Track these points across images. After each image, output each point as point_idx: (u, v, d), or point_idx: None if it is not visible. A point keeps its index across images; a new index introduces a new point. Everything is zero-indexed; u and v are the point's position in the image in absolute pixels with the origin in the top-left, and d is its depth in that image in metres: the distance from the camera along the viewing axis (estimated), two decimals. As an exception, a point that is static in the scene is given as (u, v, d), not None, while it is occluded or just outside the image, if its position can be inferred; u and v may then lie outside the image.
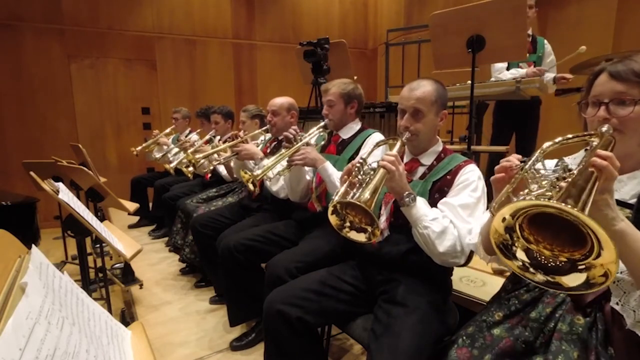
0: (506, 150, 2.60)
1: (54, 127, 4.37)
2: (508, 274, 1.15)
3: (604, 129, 0.85)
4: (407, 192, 1.18)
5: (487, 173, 2.62)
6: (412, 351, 1.06)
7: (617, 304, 0.84)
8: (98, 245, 2.33)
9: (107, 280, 2.06)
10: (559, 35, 3.42)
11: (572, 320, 0.88)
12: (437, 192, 1.30)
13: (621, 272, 0.83)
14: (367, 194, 1.06)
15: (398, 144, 1.32)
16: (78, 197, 1.65)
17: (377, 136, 1.83)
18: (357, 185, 1.16)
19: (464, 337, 0.99)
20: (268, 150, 2.42)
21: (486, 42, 2.11)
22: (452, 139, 3.52)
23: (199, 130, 3.83)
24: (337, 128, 1.93)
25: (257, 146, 2.44)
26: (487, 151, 2.88)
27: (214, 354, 1.92)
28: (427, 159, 1.39)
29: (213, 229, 2.30)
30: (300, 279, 1.45)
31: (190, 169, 2.73)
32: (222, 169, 2.96)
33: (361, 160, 1.22)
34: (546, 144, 0.84)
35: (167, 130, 4.01)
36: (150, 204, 4.03)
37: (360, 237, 1.13)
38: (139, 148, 3.89)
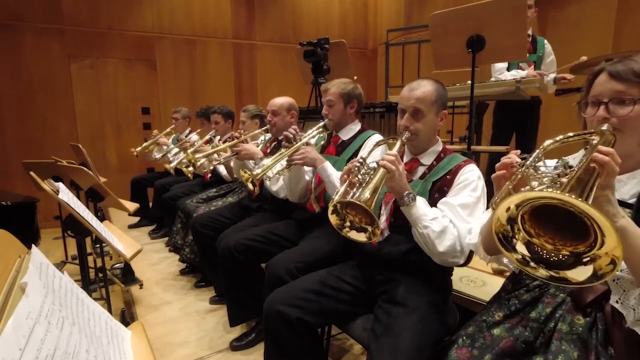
0: (506, 150, 2.59)
1: (54, 127, 4.37)
2: (508, 274, 1.15)
3: (604, 127, 0.85)
4: (407, 192, 1.18)
5: (487, 173, 2.62)
6: (412, 351, 1.06)
7: (617, 302, 0.84)
8: (98, 245, 2.33)
9: (107, 280, 2.06)
10: (559, 35, 3.42)
11: (572, 320, 0.88)
12: (437, 191, 1.30)
13: (621, 270, 0.83)
14: (367, 194, 1.06)
15: (398, 143, 1.32)
16: (78, 197, 1.65)
17: (377, 137, 1.83)
18: (357, 184, 1.16)
19: (464, 337, 0.99)
20: (268, 150, 2.42)
21: (486, 42, 2.11)
22: (452, 139, 3.52)
23: (199, 130, 3.83)
24: (336, 128, 1.93)
25: (257, 146, 2.44)
26: (487, 151, 2.88)
27: (214, 354, 1.92)
28: (427, 159, 1.39)
29: (213, 229, 2.30)
30: (300, 280, 1.45)
31: (190, 169, 2.73)
32: (222, 169, 2.96)
33: (361, 160, 1.22)
34: (547, 142, 0.85)
35: (167, 130, 4.01)
36: (150, 204, 4.02)
37: (361, 237, 1.13)
38: (139, 149, 3.89)
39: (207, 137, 3.35)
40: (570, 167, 0.75)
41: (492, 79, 2.94)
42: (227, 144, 2.46)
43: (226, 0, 5.08)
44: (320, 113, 1.99)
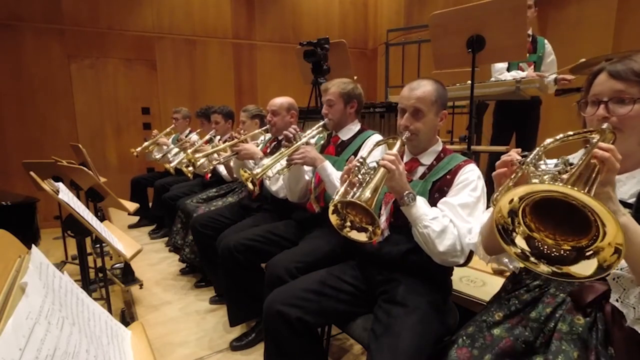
0: (506, 150, 2.58)
1: (54, 127, 4.37)
2: (508, 274, 1.15)
3: (604, 126, 0.85)
4: (407, 192, 1.18)
5: (487, 173, 2.62)
6: (412, 351, 1.06)
7: (617, 300, 0.84)
8: (98, 245, 2.33)
9: (107, 280, 2.06)
10: (559, 35, 3.42)
11: (572, 320, 0.88)
12: (437, 191, 1.30)
13: (621, 269, 0.83)
14: (367, 193, 1.06)
15: (398, 143, 1.32)
16: (78, 197, 1.65)
17: (377, 137, 1.83)
18: (357, 184, 1.16)
19: (464, 337, 0.99)
20: (268, 150, 2.42)
21: (486, 42, 2.11)
22: (452, 139, 3.52)
23: (199, 130, 3.83)
24: (336, 128, 1.93)
25: (257, 146, 2.44)
26: (487, 151, 2.88)
27: (214, 354, 1.92)
28: (426, 159, 1.39)
29: (213, 229, 2.30)
30: (300, 279, 1.45)
31: (190, 168, 2.73)
32: (222, 169, 2.96)
33: (361, 160, 1.22)
34: (547, 141, 0.85)
35: (167, 130, 4.01)
36: (150, 204, 4.02)
37: (361, 237, 1.13)
38: (139, 149, 3.89)
39: (207, 137, 3.35)
40: (571, 164, 0.76)
41: (492, 79, 2.94)
42: (227, 143, 2.46)
43: (226, 0, 5.08)
44: (320, 113, 1.99)
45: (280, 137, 2.04)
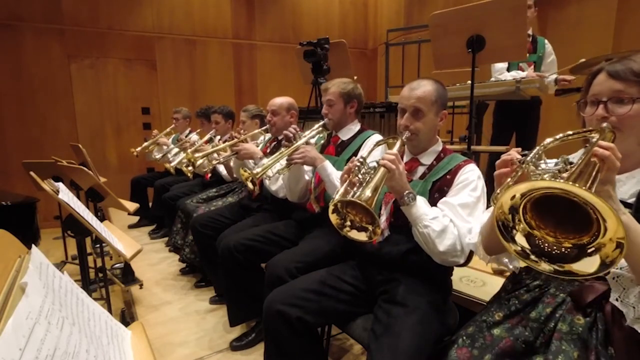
0: (506, 151, 2.59)
1: (54, 127, 4.37)
2: (508, 274, 1.15)
3: (604, 125, 0.85)
4: (407, 191, 1.18)
5: (487, 173, 2.63)
6: (412, 351, 1.06)
7: (617, 300, 0.84)
8: (98, 245, 2.33)
9: (107, 280, 2.06)
10: (559, 35, 3.42)
11: (572, 320, 0.88)
12: (437, 191, 1.30)
13: (621, 268, 0.83)
14: (367, 192, 1.06)
15: (398, 143, 1.32)
16: (78, 197, 1.65)
17: (377, 137, 1.83)
18: (357, 184, 1.16)
19: (464, 337, 0.99)
20: (268, 150, 2.42)
21: (486, 42, 2.11)
22: (452, 139, 3.52)
23: (199, 130, 3.83)
24: (336, 128, 1.93)
25: (257, 146, 2.44)
26: (487, 151, 2.88)
27: (214, 354, 1.92)
28: (426, 159, 1.39)
29: (213, 229, 2.30)
30: (300, 279, 1.45)
31: (190, 168, 2.73)
32: (222, 169, 2.96)
33: (361, 160, 1.22)
34: (547, 140, 0.85)
35: (167, 130, 4.01)
36: (150, 204, 4.02)
37: (361, 236, 1.13)
38: (139, 149, 3.89)
39: (207, 136, 3.35)
40: (571, 163, 0.76)
41: (492, 79, 2.94)
42: (227, 143, 2.46)
43: (226, 0, 5.08)
44: (320, 113, 1.99)
45: (280, 137, 2.03)
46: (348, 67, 3.05)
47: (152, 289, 2.66)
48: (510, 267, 1.09)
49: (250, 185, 1.80)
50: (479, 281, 1.81)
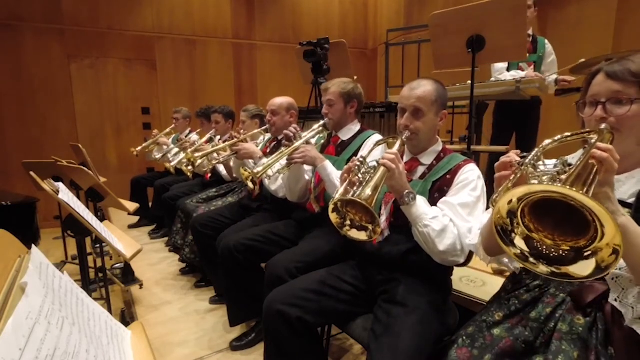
0: (506, 151, 2.59)
1: (54, 127, 4.37)
2: (508, 274, 1.15)
3: (602, 126, 0.85)
4: (407, 191, 1.18)
5: (487, 173, 2.63)
6: (412, 351, 1.06)
7: (616, 300, 0.84)
8: (98, 245, 2.33)
9: (107, 280, 2.06)
10: (559, 35, 3.42)
11: (572, 320, 0.88)
12: (437, 191, 1.30)
13: (620, 269, 0.83)
14: (368, 191, 1.06)
15: (398, 142, 1.33)
16: (78, 197, 1.65)
17: (377, 137, 1.83)
18: (357, 183, 1.16)
19: (464, 337, 0.99)
20: (268, 150, 2.42)
21: (486, 42, 2.11)
22: (452, 139, 3.52)
23: (199, 130, 3.83)
24: (336, 128, 1.93)
25: (257, 146, 2.44)
26: (487, 151, 2.88)
27: (214, 354, 1.92)
28: (426, 159, 1.39)
29: (213, 229, 2.30)
30: (300, 279, 1.45)
31: (190, 168, 2.73)
32: (222, 169, 2.96)
33: (361, 159, 1.22)
34: (546, 142, 0.85)
35: (167, 131, 4.01)
36: (150, 204, 4.02)
37: (361, 236, 1.13)
38: (139, 148, 3.89)
39: (207, 136, 3.35)
40: (570, 165, 0.76)
41: (492, 79, 2.94)
42: (227, 143, 2.46)
43: (226, 0, 5.08)
44: (320, 113, 2.00)
45: (280, 137, 2.04)
46: (348, 67, 3.04)
47: (152, 289, 2.66)
48: (511, 267, 1.09)
49: (250, 184, 1.80)
50: (479, 281, 1.81)
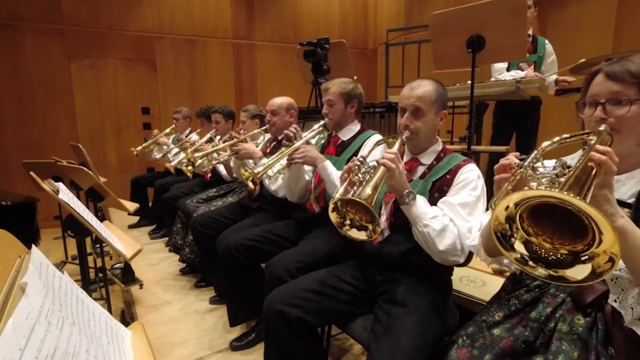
0: (506, 150, 2.60)
1: (54, 127, 4.37)
2: (508, 274, 1.15)
3: (602, 128, 0.85)
4: (407, 191, 1.18)
5: (487, 173, 2.63)
6: (412, 351, 1.06)
7: (616, 301, 0.84)
8: (98, 245, 2.33)
9: (107, 280, 2.06)
10: (559, 35, 3.42)
11: (572, 320, 0.88)
12: (437, 191, 1.30)
13: (619, 270, 0.83)
14: (367, 191, 1.06)
15: (398, 142, 1.33)
16: (78, 197, 1.65)
17: (377, 137, 1.83)
18: (357, 183, 1.16)
19: (464, 337, 0.99)
20: (268, 150, 2.42)
21: (486, 42, 2.11)
22: (452, 139, 3.52)
23: (199, 130, 3.83)
24: (336, 128, 1.93)
25: (257, 146, 2.44)
26: (487, 151, 2.88)
27: (214, 354, 1.92)
28: (426, 159, 1.39)
29: (213, 229, 2.30)
30: (300, 279, 1.45)
31: (190, 168, 2.73)
32: (222, 169, 2.96)
33: (361, 159, 1.22)
34: (545, 144, 0.85)
35: (167, 130, 4.01)
36: (150, 204, 4.02)
37: (361, 235, 1.13)
38: (139, 148, 3.89)
39: (207, 136, 3.35)
40: (569, 167, 0.76)
41: (492, 79, 2.94)
42: (227, 143, 2.46)
43: (226, 0, 5.08)
44: (320, 113, 2.00)
45: (280, 137, 2.04)
46: (348, 67, 3.05)
47: (152, 289, 2.66)
48: (511, 267, 1.09)
49: (250, 184, 1.80)
50: (479, 281, 1.81)
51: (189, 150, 2.95)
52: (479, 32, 2.10)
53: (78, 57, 4.44)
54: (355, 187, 1.14)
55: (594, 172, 0.70)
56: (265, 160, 1.87)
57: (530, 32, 2.80)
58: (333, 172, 1.70)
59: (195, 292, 2.60)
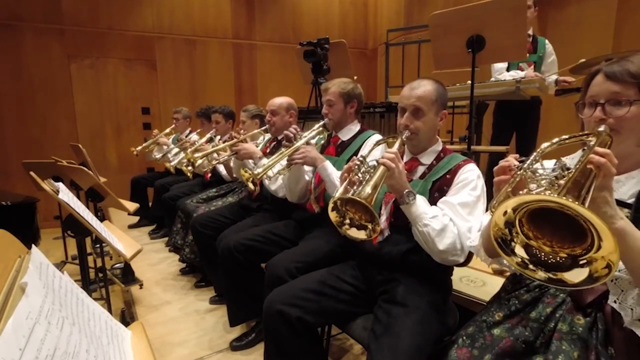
0: (506, 150, 2.60)
1: (54, 127, 4.37)
2: (508, 274, 1.15)
3: (601, 129, 0.85)
4: (407, 191, 1.18)
5: (487, 173, 2.62)
6: (412, 351, 1.06)
7: (615, 302, 0.84)
8: (98, 245, 2.34)
9: (107, 280, 2.06)
10: (559, 35, 3.42)
11: (572, 320, 0.88)
12: (437, 191, 1.30)
13: (619, 270, 0.83)
14: (367, 190, 1.06)
15: (397, 142, 1.33)
16: (78, 197, 1.65)
17: (377, 137, 1.83)
18: (357, 183, 1.16)
19: (464, 337, 0.99)
20: (268, 150, 2.42)
21: (486, 42, 2.11)
22: (452, 139, 3.52)
23: (199, 130, 3.83)
24: (336, 128, 1.93)
25: (257, 146, 2.44)
26: (487, 151, 2.88)
27: (214, 354, 1.92)
28: (426, 159, 1.39)
29: (213, 229, 2.30)
30: (300, 279, 1.45)
31: (190, 168, 2.74)
32: (222, 169, 2.96)
33: (361, 159, 1.22)
34: (544, 145, 0.85)
35: (167, 131, 4.01)
36: (150, 204, 4.02)
37: (360, 235, 1.13)
38: (139, 148, 3.89)
39: (208, 136, 3.35)
40: (568, 168, 0.75)
41: (492, 79, 2.94)
42: (227, 143, 2.46)
43: (226, 0, 5.08)
44: (320, 113, 2.00)
45: (280, 137, 2.04)
46: (348, 67, 3.04)
47: (152, 289, 2.66)
48: (512, 268, 1.09)
49: (251, 186, 1.79)
50: (479, 281, 1.81)
51: (189, 150, 2.95)
52: (479, 32, 2.10)
53: (78, 57, 4.44)
54: (355, 187, 1.15)
55: (592, 174, 0.70)
56: (265, 161, 1.87)
57: (530, 32, 2.80)
58: (333, 172, 1.70)
59: (195, 292, 2.60)
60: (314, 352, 1.37)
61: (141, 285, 2.53)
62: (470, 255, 1.28)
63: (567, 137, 0.87)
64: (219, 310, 2.33)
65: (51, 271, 0.71)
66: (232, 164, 2.62)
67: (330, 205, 1.13)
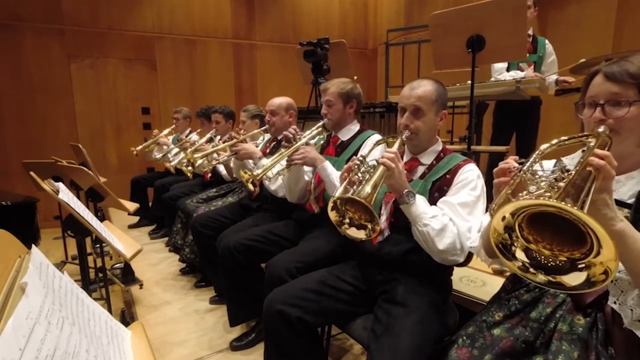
0: (506, 151, 2.60)
1: (54, 127, 4.37)
2: (508, 274, 1.15)
3: (601, 129, 0.85)
4: (406, 190, 1.18)
5: (487, 173, 2.63)
6: (412, 351, 1.06)
7: (615, 302, 0.84)
8: (98, 245, 2.34)
9: (107, 280, 2.06)
10: (559, 35, 3.42)
11: (572, 320, 0.88)
12: (436, 191, 1.30)
13: (619, 271, 0.83)
14: (367, 189, 1.06)
15: (397, 142, 1.33)
16: (78, 197, 1.65)
17: (376, 137, 1.83)
18: (357, 182, 1.16)
19: (464, 337, 0.99)
20: (268, 150, 2.42)
21: (486, 42, 2.11)
22: (452, 139, 3.52)
23: (199, 130, 3.83)
24: (336, 128, 1.92)
25: (257, 146, 2.44)
26: (487, 151, 2.88)
27: (214, 354, 1.92)
28: (426, 159, 1.39)
29: (213, 229, 2.30)
30: (300, 279, 1.45)
31: (190, 168, 2.73)
32: (222, 169, 2.96)
33: (361, 158, 1.22)
34: (543, 146, 0.85)
35: (167, 131, 4.01)
36: (150, 204, 4.02)
37: (360, 234, 1.13)
38: (139, 148, 3.89)
39: (208, 136, 3.35)
40: (568, 170, 0.75)
41: (492, 79, 2.94)
42: (227, 143, 2.46)
43: (226, 0, 5.08)
44: (320, 113, 2.00)
45: (279, 138, 2.03)
46: (348, 67, 3.04)
47: (152, 289, 2.66)
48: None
49: (250, 186, 1.79)
50: (479, 281, 1.81)
51: (189, 150, 2.95)
52: (479, 32, 2.10)
53: (78, 57, 4.44)
54: (354, 186, 1.15)
55: (592, 176, 0.70)
56: (264, 161, 1.87)
57: (530, 32, 2.80)
58: (333, 173, 1.70)
59: (195, 292, 2.60)
60: (314, 352, 1.37)
61: (141, 285, 2.53)
62: (470, 255, 1.28)
63: (566, 138, 0.86)
64: (219, 310, 2.33)
65: (51, 271, 0.71)
66: (232, 164, 2.63)
67: (330, 205, 1.13)
